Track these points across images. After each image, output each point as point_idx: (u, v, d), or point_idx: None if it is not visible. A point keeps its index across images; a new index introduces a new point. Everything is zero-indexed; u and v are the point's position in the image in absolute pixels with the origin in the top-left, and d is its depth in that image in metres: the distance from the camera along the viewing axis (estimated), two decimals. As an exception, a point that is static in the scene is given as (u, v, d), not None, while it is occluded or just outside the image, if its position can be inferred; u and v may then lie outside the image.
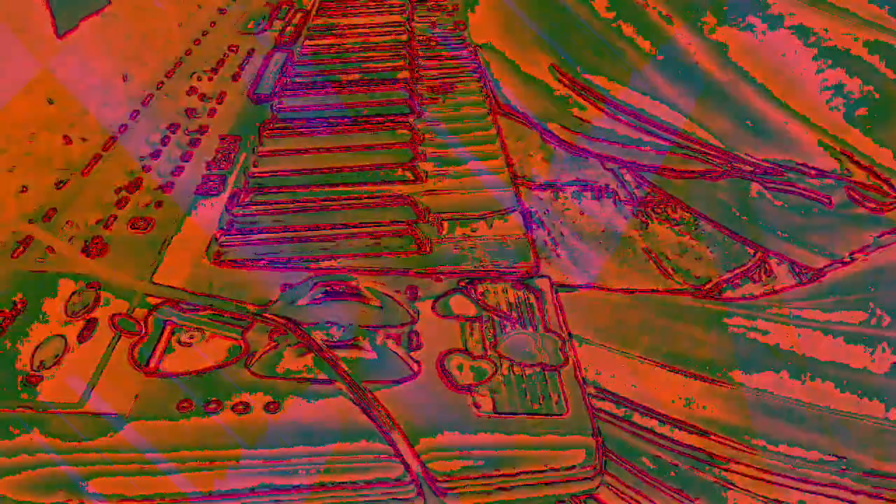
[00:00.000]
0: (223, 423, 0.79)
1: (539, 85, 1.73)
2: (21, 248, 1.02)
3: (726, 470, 1.15)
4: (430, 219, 1.12)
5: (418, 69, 1.64)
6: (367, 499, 0.77)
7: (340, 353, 0.85)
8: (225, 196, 1.18)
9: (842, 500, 1.13)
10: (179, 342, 0.88)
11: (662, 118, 1.60)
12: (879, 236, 1.45)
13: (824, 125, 1.51)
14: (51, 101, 1.28)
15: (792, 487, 1.14)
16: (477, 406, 0.80)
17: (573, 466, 0.78)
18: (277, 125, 1.40)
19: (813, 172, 1.51)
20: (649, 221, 1.55)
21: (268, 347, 0.87)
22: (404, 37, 1.79)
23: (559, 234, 1.57)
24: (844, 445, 1.18)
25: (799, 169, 1.52)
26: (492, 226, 1.10)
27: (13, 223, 1.06)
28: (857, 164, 1.49)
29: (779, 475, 1.15)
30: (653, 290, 1.42)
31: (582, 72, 1.67)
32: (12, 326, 0.89)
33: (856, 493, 1.13)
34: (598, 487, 0.79)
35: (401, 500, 0.77)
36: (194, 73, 1.55)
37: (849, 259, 1.44)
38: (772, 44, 1.53)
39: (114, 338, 0.88)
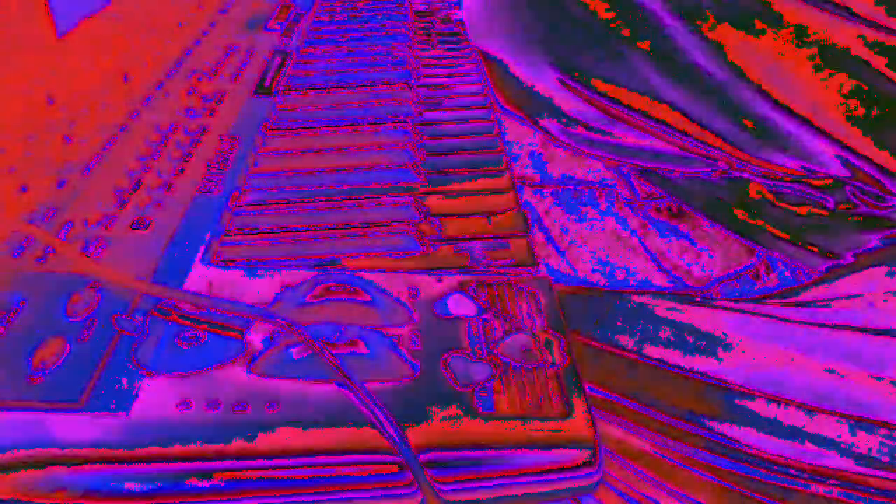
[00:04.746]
0: (223, 423, 0.79)
1: (539, 85, 1.73)
2: (21, 248, 1.02)
3: (726, 470, 1.15)
4: (431, 219, 1.12)
5: (419, 69, 1.64)
6: (366, 499, 0.77)
7: (340, 354, 0.85)
8: (225, 196, 1.18)
9: (842, 499, 1.13)
10: (179, 342, 0.88)
11: (662, 118, 1.60)
12: (880, 236, 1.45)
13: (824, 126, 1.51)
14: (51, 101, 1.28)
15: (792, 487, 1.14)
16: (477, 407, 0.80)
17: (573, 466, 0.78)
18: (278, 125, 1.40)
19: (815, 174, 1.51)
20: (650, 221, 1.55)
21: (268, 347, 0.87)
22: (405, 36, 1.79)
23: (559, 234, 1.56)
24: (845, 447, 1.17)
25: (799, 169, 1.52)
26: (491, 225, 1.10)
27: (13, 223, 1.06)
28: (857, 164, 1.49)
29: (780, 475, 1.15)
30: (653, 290, 1.42)
31: (582, 72, 1.67)
32: (12, 326, 0.90)
33: (854, 492, 1.13)
34: (597, 487, 0.79)
35: (400, 500, 0.77)
36: (194, 73, 1.55)
37: (849, 259, 1.44)
38: (772, 44, 1.53)
39: (114, 338, 0.88)
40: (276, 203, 1.16)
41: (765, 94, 1.54)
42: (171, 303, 0.93)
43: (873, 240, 1.44)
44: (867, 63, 1.47)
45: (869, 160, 1.47)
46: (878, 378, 1.22)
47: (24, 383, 0.82)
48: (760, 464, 1.15)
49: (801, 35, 1.51)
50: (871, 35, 1.47)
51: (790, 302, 1.38)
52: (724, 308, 1.35)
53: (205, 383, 0.83)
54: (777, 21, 1.52)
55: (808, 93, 1.50)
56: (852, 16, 1.47)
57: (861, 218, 1.47)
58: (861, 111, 1.48)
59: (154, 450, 0.76)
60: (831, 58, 1.49)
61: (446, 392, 0.82)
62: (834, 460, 1.14)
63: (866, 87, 1.47)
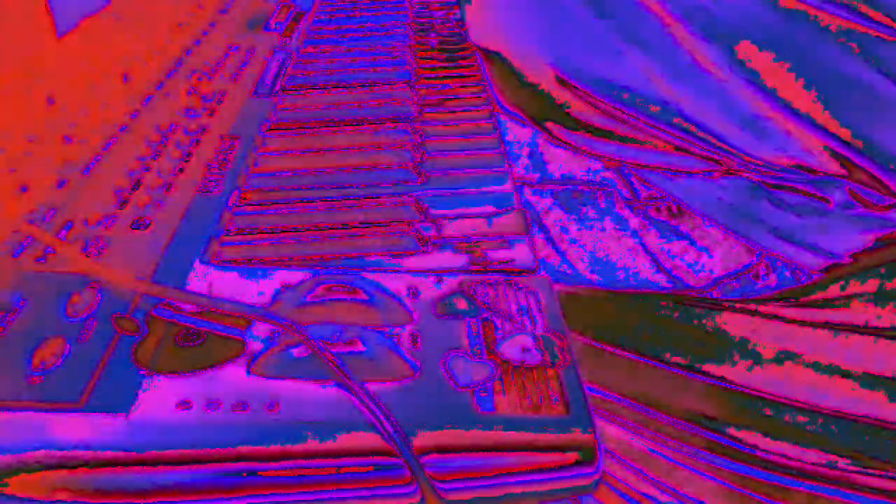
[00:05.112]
0: (223, 423, 0.79)
1: (539, 85, 1.73)
2: (21, 248, 1.02)
3: (727, 470, 1.15)
4: (431, 219, 1.12)
5: (419, 69, 1.64)
6: (365, 498, 0.77)
7: (340, 353, 0.85)
8: (225, 196, 1.18)
9: (841, 499, 1.13)
10: (179, 342, 0.88)
11: (663, 118, 1.60)
12: (880, 236, 1.45)
13: (825, 125, 1.51)
14: (51, 101, 1.28)
15: (792, 487, 1.14)
16: (477, 407, 0.80)
17: (573, 466, 0.78)
18: (278, 125, 1.40)
19: (814, 172, 1.51)
20: (650, 221, 1.55)
21: (268, 347, 0.87)
22: (405, 36, 1.79)
23: (559, 234, 1.56)
24: (844, 445, 1.18)
25: (799, 169, 1.52)
26: (492, 226, 1.10)
27: (13, 223, 1.06)
28: (857, 164, 1.49)
29: (780, 476, 1.15)
30: (653, 290, 1.42)
31: (582, 71, 1.67)
32: (12, 327, 0.90)
33: (854, 492, 1.13)
34: (597, 487, 0.79)
35: (400, 500, 0.77)
36: (194, 73, 1.55)
37: (848, 259, 1.44)
38: (772, 43, 1.53)
39: (114, 338, 0.88)
40: (276, 203, 1.16)
41: (765, 94, 1.54)
42: (171, 303, 0.93)
43: (873, 240, 1.44)
44: (867, 63, 1.47)
45: (868, 160, 1.47)
46: (880, 378, 1.22)
47: (24, 383, 0.82)
48: (760, 464, 1.15)
49: (800, 34, 1.51)
50: (874, 33, 1.47)
51: (790, 302, 1.38)
52: (724, 308, 1.35)
53: (205, 383, 0.83)
54: (778, 20, 1.52)
55: (808, 92, 1.50)
56: (852, 14, 1.47)
57: (860, 218, 1.47)
58: (860, 110, 1.48)
59: (154, 450, 0.76)
60: (830, 56, 1.49)
61: (446, 392, 0.82)
62: (835, 462, 1.14)
63: (865, 87, 1.47)
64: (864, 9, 1.46)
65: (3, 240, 1.03)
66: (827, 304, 1.36)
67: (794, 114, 1.52)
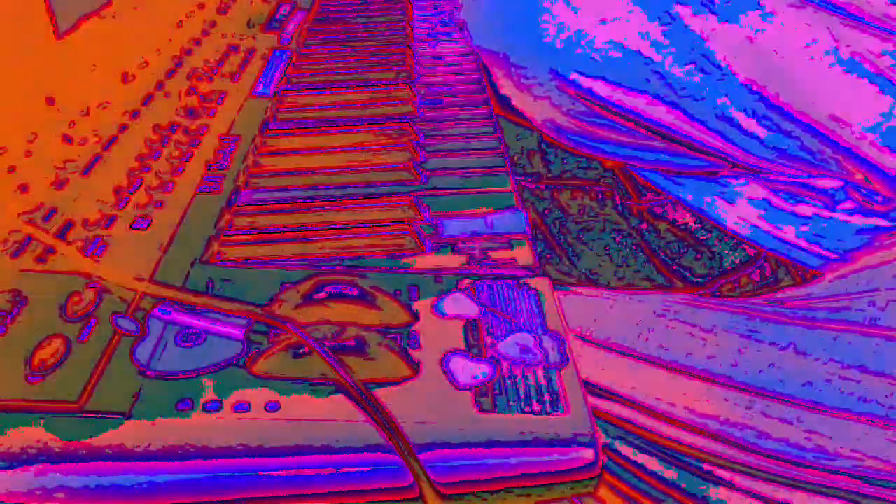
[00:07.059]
0: (223, 423, 0.79)
1: (539, 85, 1.73)
2: (21, 248, 1.02)
3: (727, 469, 1.15)
4: (431, 219, 1.12)
5: (418, 69, 1.64)
6: (365, 499, 0.77)
7: (340, 353, 0.85)
8: (225, 196, 1.18)
9: (841, 499, 1.13)
10: (179, 342, 0.88)
11: (663, 119, 1.60)
12: (879, 236, 1.45)
13: (823, 124, 1.51)
14: (51, 101, 1.28)
15: (792, 487, 1.14)
16: (477, 406, 0.80)
17: (573, 467, 0.78)
18: (278, 125, 1.40)
19: (813, 171, 1.51)
20: (650, 221, 1.55)
21: (268, 347, 0.87)
22: (405, 36, 1.79)
23: (559, 234, 1.57)
24: (844, 445, 1.18)
25: (798, 168, 1.52)
26: (492, 226, 1.10)
27: (13, 223, 1.06)
28: (857, 164, 1.50)
29: (779, 475, 1.15)
30: (653, 290, 1.42)
31: (582, 72, 1.67)
32: (12, 326, 0.90)
33: (854, 492, 1.13)
34: (597, 487, 0.79)
35: (400, 500, 0.77)
36: (194, 73, 1.55)
37: (848, 259, 1.44)
38: (769, 42, 1.53)
39: (114, 338, 0.88)
40: (276, 203, 1.16)
41: (764, 93, 1.54)
42: (171, 303, 0.93)
43: (873, 240, 1.45)
44: (863, 63, 1.47)
45: (868, 159, 1.47)
46: (879, 377, 1.22)
47: (24, 383, 0.82)
48: (761, 463, 1.15)
49: (800, 33, 1.51)
50: (874, 38, 1.47)
51: (790, 301, 1.38)
52: (724, 308, 1.35)
53: (205, 383, 0.83)
54: (777, 19, 1.52)
55: (807, 91, 1.50)
56: (849, 17, 1.47)
57: (861, 218, 1.47)
58: (859, 110, 1.48)
59: (154, 450, 0.76)
60: (825, 56, 1.49)
61: (446, 392, 0.82)
62: (835, 461, 1.14)
63: (865, 86, 1.47)
64: (860, 8, 1.46)
65: (3, 240, 1.03)
66: (827, 303, 1.36)
67: (793, 115, 1.52)
